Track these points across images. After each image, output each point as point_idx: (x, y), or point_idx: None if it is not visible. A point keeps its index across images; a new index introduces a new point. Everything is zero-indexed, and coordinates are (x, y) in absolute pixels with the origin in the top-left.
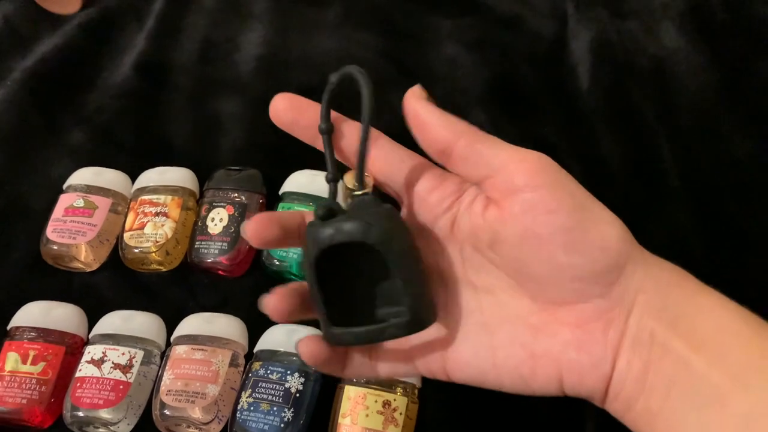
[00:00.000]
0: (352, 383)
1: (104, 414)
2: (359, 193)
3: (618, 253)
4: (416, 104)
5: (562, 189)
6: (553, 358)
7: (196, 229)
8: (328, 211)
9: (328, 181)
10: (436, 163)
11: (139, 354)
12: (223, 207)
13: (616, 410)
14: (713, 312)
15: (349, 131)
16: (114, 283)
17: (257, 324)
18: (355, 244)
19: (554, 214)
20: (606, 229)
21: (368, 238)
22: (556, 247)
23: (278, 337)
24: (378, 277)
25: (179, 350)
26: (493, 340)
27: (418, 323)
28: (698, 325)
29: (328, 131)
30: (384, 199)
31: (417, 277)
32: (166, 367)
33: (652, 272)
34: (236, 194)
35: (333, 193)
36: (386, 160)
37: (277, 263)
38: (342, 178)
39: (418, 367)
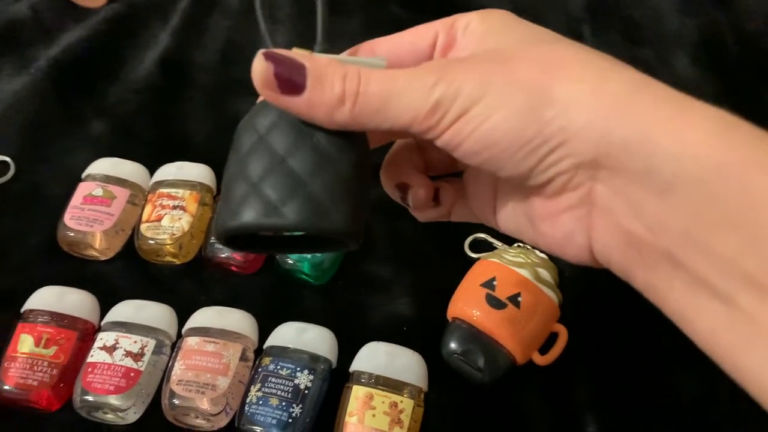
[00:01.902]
0: (360, 383)
1: (113, 400)
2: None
3: (530, 127)
4: (277, 101)
5: (461, 117)
6: (534, 227)
7: (212, 224)
8: None
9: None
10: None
11: (151, 343)
12: None
13: (618, 275)
14: (741, 175)
15: None
16: (127, 273)
17: (266, 321)
18: None
19: (462, 146)
20: (512, 117)
21: None
22: (488, 166)
23: (289, 335)
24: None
25: (191, 341)
26: (509, 198)
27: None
28: (714, 192)
29: None
30: None
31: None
32: (177, 358)
33: (615, 132)
34: None
35: None
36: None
37: (290, 262)
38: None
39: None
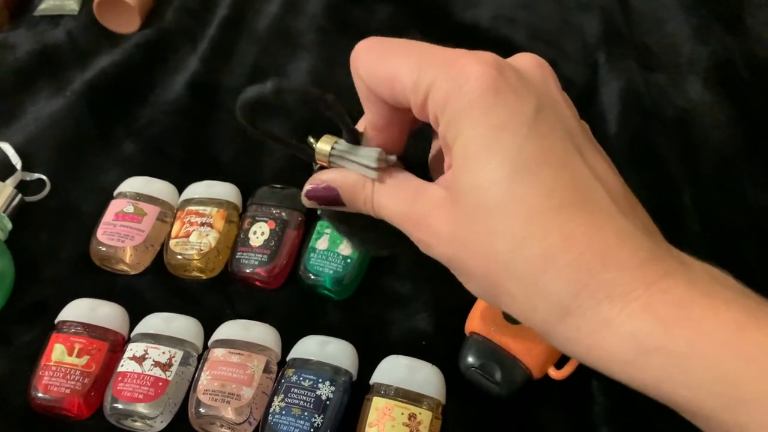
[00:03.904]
0: (380, 395)
1: (142, 408)
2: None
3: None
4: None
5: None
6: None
7: (238, 240)
8: None
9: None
10: None
11: (179, 354)
12: (265, 221)
13: None
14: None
15: None
16: (156, 287)
17: (289, 334)
18: None
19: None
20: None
21: None
22: None
23: (311, 347)
24: None
25: (217, 353)
26: None
27: None
28: None
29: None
30: None
31: None
32: (204, 368)
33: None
34: (278, 210)
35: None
36: None
37: (312, 278)
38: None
39: None
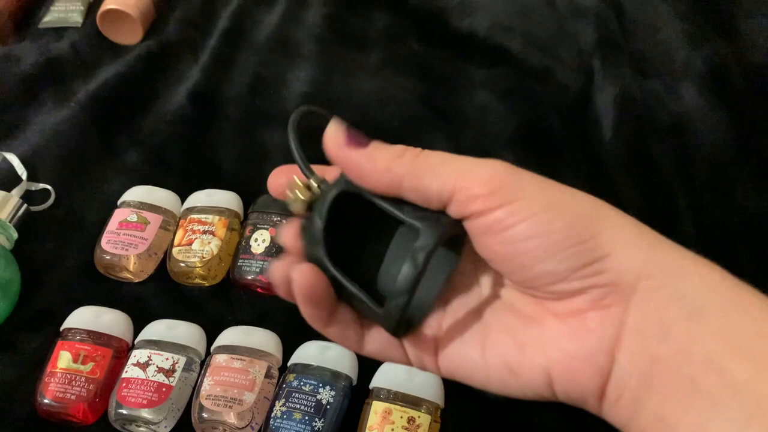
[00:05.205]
0: (379, 399)
1: (146, 413)
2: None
3: (585, 231)
4: (340, 153)
5: (518, 200)
6: (541, 348)
7: (239, 248)
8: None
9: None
10: None
11: (182, 360)
12: (266, 229)
13: (618, 417)
14: (751, 310)
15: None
16: (159, 294)
17: (290, 340)
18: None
19: (512, 229)
20: (570, 218)
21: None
22: (525, 259)
23: (312, 352)
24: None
25: (219, 359)
26: (485, 327)
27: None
28: (732, 322)
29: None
30: None
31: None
32: (206, 374)
33: (657, 257)
34: (279, 218)
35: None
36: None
37: None
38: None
39: (408, 352)
